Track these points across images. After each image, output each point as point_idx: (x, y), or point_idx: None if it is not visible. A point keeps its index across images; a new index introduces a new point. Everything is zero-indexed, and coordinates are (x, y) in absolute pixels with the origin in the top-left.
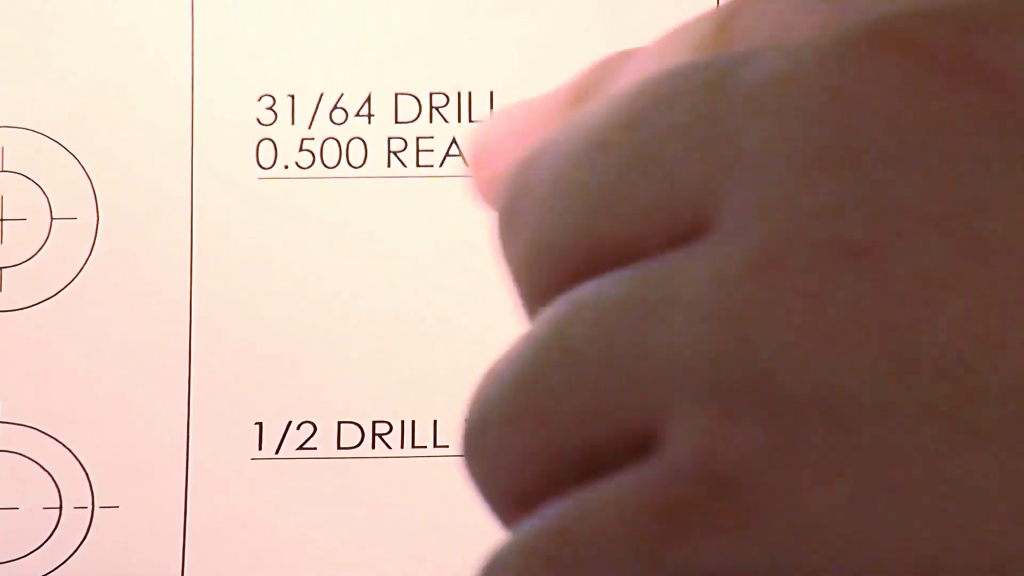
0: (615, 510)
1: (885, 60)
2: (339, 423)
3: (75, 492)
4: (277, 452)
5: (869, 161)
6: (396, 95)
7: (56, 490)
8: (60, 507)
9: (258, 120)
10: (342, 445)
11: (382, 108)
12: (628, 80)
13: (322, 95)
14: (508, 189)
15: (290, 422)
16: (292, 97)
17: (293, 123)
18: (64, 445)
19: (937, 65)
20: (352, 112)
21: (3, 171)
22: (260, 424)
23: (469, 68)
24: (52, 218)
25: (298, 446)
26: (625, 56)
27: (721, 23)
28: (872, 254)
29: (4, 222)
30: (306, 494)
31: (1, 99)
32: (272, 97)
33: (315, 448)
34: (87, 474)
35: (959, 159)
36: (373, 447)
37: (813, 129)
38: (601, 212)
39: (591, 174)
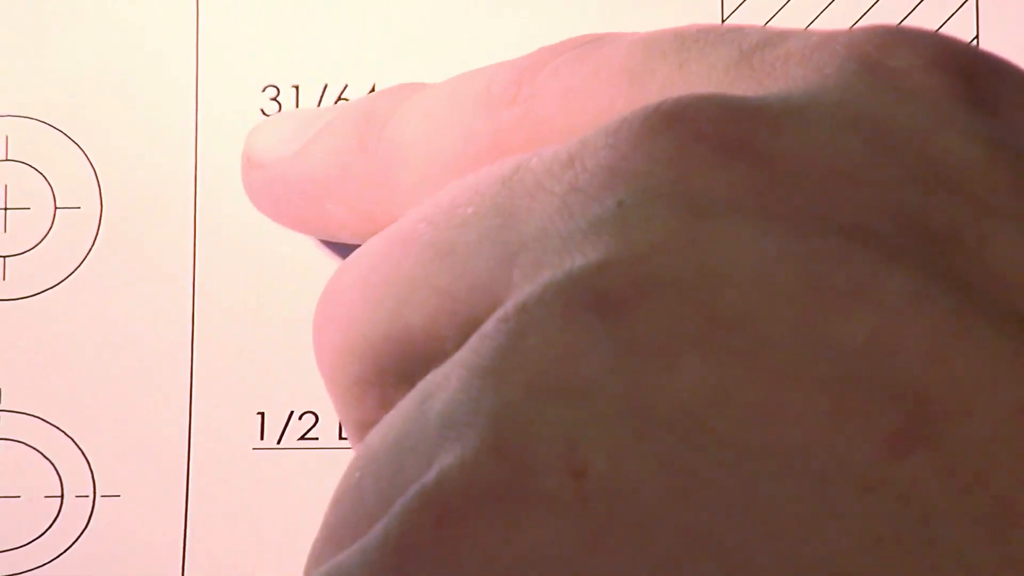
0: (361, 556)
1: (659, 137)
2: None
3: (77, 481)
4: (279, 442)
5: (637, 226)
6: None
7: (58, 479)
8: (61, 496)
9: (262, 111)
10: (344, 436)
11: None
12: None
13: (326, 86)
14: (325, 288)
15: (292, 412)
16: (296, 88)
17: None
18: (66, 434)
19: (706, 142)
20: None
21: (6, 160)
22: (262, 414)
23: (473, 59)
24: (56, 207)
25: (300, 436)
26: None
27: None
28: (621, 312)
29: (7, 211)
30: (308, 485)
31: (4, 87)
32: (276, 88)
33: (317, 439)
34: (89, 463)
35: (717, 231)
36: None
37: (590, 205)
38: (405, 304)
39: (396, 267)
